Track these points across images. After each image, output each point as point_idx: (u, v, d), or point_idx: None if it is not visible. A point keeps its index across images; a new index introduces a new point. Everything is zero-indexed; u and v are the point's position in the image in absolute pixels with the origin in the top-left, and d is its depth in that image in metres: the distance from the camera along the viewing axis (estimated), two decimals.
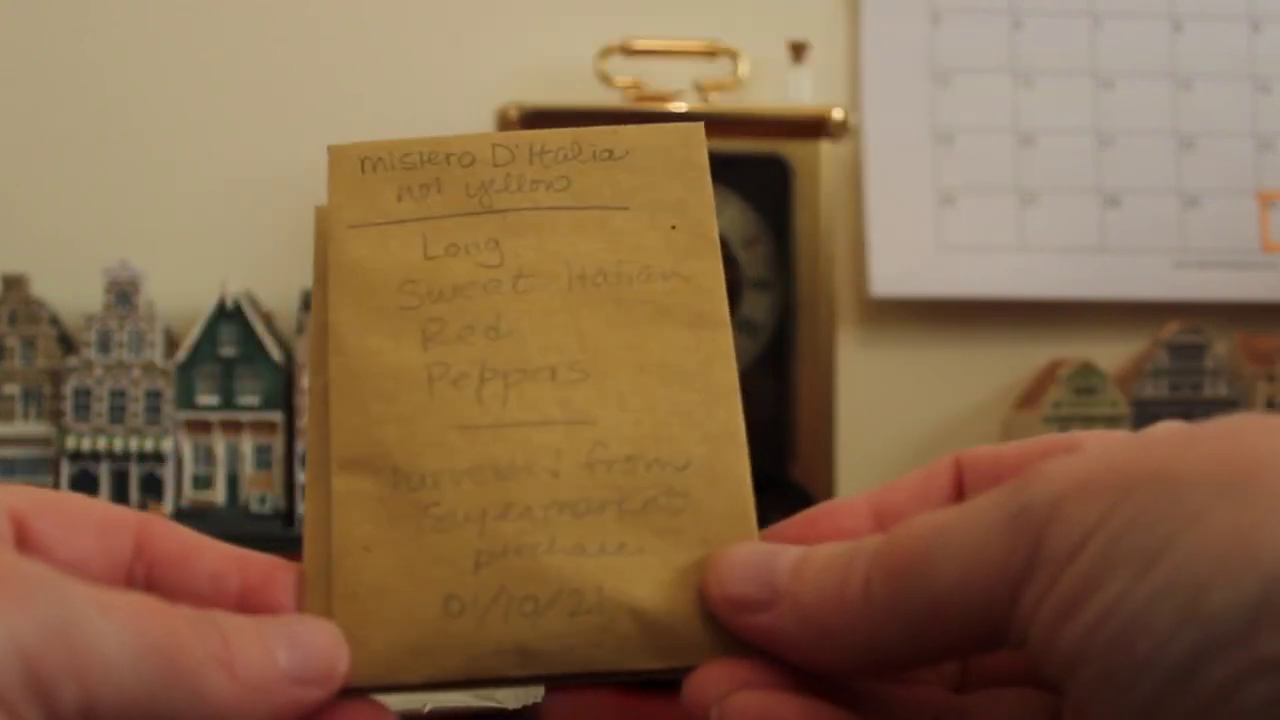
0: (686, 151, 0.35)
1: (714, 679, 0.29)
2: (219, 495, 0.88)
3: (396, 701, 0.38)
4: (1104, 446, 0.26)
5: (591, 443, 0.31)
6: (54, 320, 0.90)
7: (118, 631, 0.24)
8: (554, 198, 0.34)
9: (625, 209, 0.34)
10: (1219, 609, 0.22)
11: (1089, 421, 0.93)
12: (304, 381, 0.87)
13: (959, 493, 0.31)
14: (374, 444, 0.31)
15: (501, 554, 0.30)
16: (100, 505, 0.30)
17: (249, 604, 0.30)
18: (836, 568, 0.27)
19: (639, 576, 0.30)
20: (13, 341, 0.88)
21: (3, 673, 0.22)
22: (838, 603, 0.27)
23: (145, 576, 0.30)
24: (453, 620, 0.30)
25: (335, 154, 0.35)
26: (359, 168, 0.34)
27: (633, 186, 0.34)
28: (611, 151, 0.34)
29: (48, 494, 0.30)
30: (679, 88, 0.91)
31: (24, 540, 0.28)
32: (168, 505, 0.87)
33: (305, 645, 0.28)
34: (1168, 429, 0.26)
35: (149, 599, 0.25)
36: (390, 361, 0.32)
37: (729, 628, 0.29)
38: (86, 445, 0.87)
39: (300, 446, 0.87)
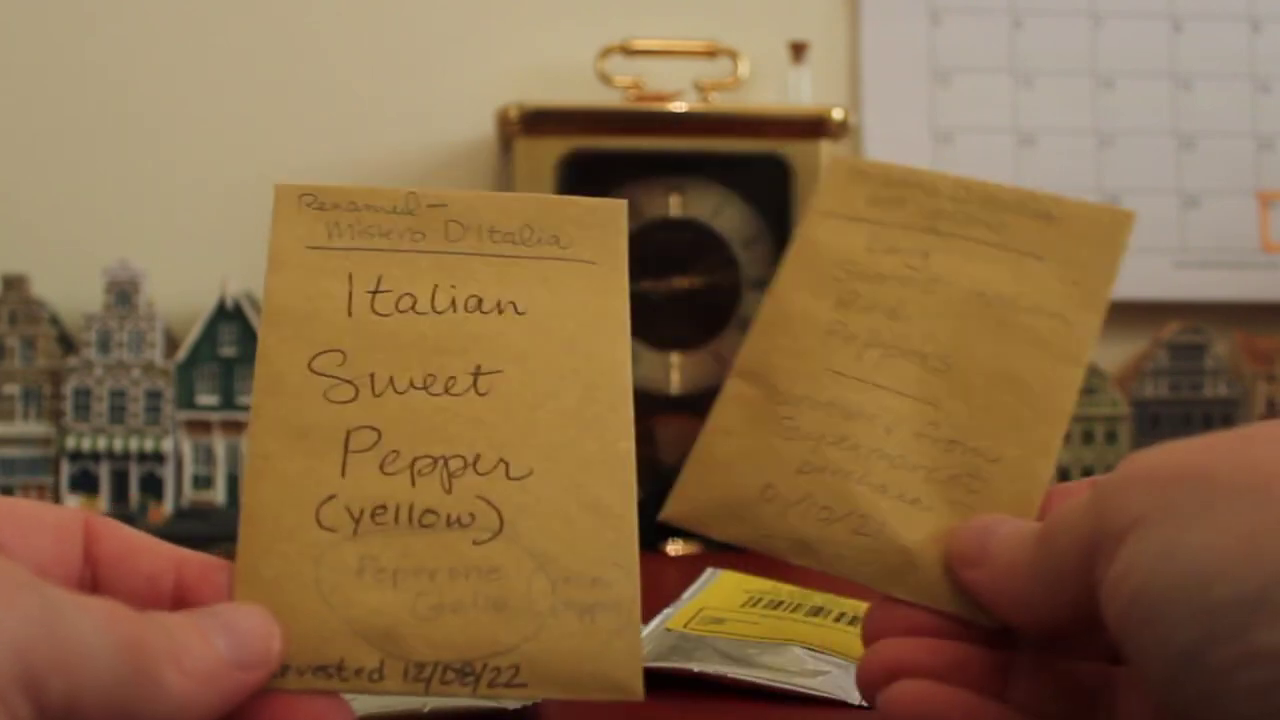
0: (1112, 233, 0.40)
1: (883, 662, 0.34)
2: (219, 495, 0.88)
3: (396, 702, 0.38)
4: (1189, 443, 0.29)
5: (928, 421, 0.38)
6: (54, 320, 0.90)
7: (95, 628, 0.25)
8: (987, 235, 0.41)
9: (1041, 259, 0.40)
10: (1221, 602, 0.24)
11: (1089, 421, 0.93)
12: None
13: None
14: (767, 364, 0.40)
15: (821, 469, 0.37)
16: (50, 509, 0.31)
17: (184, 603, 0.31)
18: (1016, 540, 0.33)
19: (918, 527, 0.36)
20: (13, 341, 0.88)
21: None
22: (1009, 567, 0.33)
23: (91, 577, 0.31)
24: (765, 502, 0.37)
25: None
26: (849, 176, 0.43)
27: (1056, 244, 0.40)
28: (1050, 214, 0.41)
29: (3, 501, 0.30)
30: (679, 88, 0.91)
31: None
32: (168, 505, 0.87)
33: (241, 631, 0.29)
34: (1244, 431, 0.29)
35: (113, 602, 0.27)
36: (805, 310, 0.40)
37: (955, 582, 0.35)
38: (86, 445, 0.87)
39: None
